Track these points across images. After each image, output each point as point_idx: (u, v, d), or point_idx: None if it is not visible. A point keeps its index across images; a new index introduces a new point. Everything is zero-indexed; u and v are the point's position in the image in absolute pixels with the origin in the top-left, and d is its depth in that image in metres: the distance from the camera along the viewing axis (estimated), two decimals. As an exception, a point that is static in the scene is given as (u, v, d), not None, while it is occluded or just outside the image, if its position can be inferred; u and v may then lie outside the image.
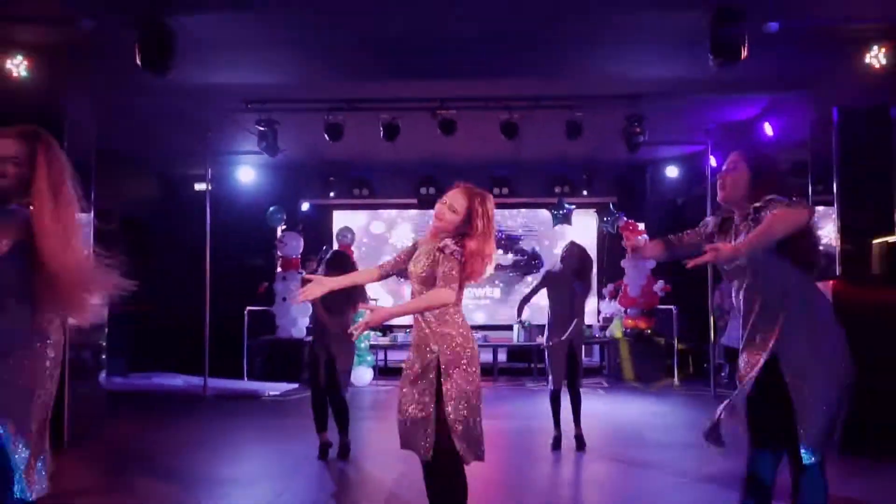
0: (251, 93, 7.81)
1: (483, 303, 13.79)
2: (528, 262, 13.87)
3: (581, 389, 6.37)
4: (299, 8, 5.98)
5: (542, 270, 6.51)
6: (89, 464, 5.99)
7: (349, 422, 6.07)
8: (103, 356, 7.29)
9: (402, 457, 3.66)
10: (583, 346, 7.34)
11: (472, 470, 3.26)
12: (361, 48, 6.65)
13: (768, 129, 8.79)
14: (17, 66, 6.32)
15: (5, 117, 6.47)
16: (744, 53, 5.40)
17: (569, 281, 6.27)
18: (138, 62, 5.38)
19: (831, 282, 6.25)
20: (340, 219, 13.52)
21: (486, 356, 11.74)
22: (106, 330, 7.20)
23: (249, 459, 6.32)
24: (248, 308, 11.32)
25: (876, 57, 6.24)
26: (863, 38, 6.23)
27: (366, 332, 11.03)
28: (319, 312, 6.00)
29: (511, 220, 13.78)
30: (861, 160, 6.50)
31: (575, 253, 6.30)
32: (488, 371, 11.29)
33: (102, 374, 7.40)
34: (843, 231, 6.54)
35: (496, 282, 13.80)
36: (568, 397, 6.25)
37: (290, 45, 6.62)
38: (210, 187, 10.08)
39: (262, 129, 8.55)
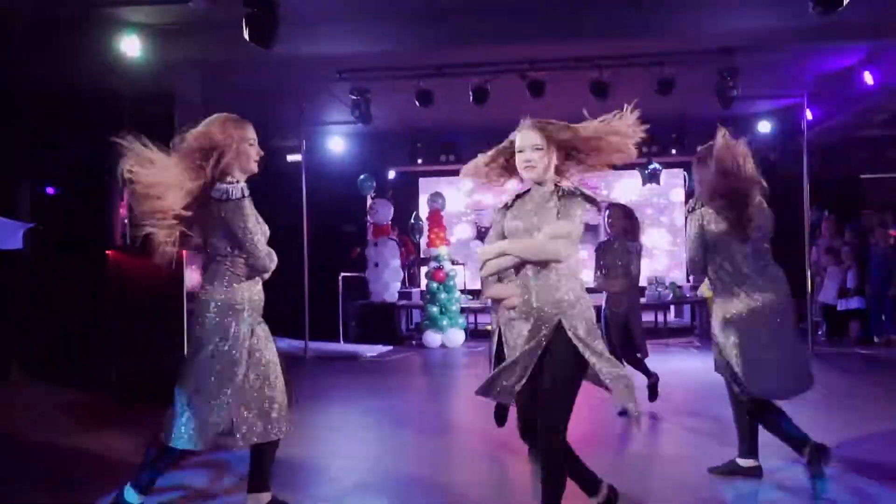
0: (344, 63, 8.03)
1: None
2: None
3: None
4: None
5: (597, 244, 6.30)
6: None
7: None
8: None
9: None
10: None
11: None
12: (451, 13, 6.80)
13: (868, 78, 8.52)
14: (130, 47, 6.72)
15: (120, 96, 6.97)
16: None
17: (623, 245, 6.00)
18: (246, 36, 5.67)
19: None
20: (426, 186, 13.76)
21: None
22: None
23: (356, 413, 6.64)
24: (343, 274, 11.72)
25: None
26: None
27: (457, 296, 11.43)
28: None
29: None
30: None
31: (620, 214, 6.04)
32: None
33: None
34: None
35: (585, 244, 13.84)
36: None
37: (383, 14, 6.83)
38: (303, 157, 10.44)
39: (354, 97, 8.81)
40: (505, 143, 3.32)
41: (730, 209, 3.91)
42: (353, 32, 7.00)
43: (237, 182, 3.46)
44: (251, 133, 3.58)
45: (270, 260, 3.52)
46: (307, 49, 6.94)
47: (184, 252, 6.75)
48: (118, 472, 4.67)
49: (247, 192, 3.45)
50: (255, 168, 3.59)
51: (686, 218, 4.20)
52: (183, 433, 3.41)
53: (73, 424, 6.17)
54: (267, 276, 3.59)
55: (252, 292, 3.53)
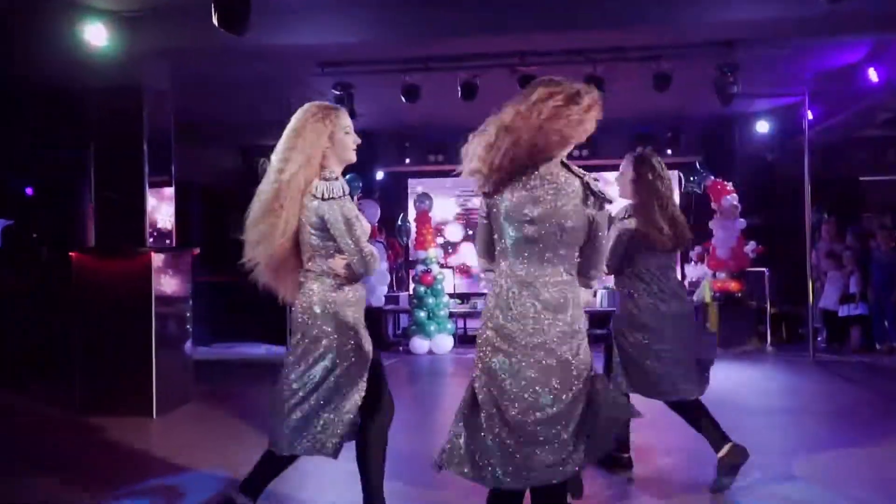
0: (326, 54, 7.62)
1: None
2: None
3: None
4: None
5: None
6: (178, 431, 6.05)
7: None
8: (188, 326, 7.29)
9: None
10: None
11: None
12: (437, 2, 6.45)
13: (873, 76, 8.21)
14: (96, 35, 6.32)
15: (85, 87, 6.58)
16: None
17: None
18: (215, 21, 5.29)
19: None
20: (415, 187, 13.38)
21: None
22: (190, 301, 7.21)
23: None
24: (328, 277, 11.32)
25: None
26: None
27: (445, 301, 11.05)
28: None
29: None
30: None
31: None
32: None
33: (188, 344, 7.42)
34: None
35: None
36: None
37: (364, 1, 6.47)
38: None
39: (337, 93, 8.44)
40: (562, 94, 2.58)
41: (649, 219, 4.13)
42: (332, 21, 6.62)
43: (335, 178, 3.20)
44: (346, 119, 3.32)
45: (374, 260, 3.26)
46: (284, 38, 6.54)
47: (152, 253, 6.44)
48: (85, 482, 4.42)
49: (346, 190, 3.20)
50: (353, 157, 3.34)
51: (614, 223, 4.30)
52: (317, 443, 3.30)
53: (36, 431, 5.90)
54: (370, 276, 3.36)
55: (355, 292, 3.36)
